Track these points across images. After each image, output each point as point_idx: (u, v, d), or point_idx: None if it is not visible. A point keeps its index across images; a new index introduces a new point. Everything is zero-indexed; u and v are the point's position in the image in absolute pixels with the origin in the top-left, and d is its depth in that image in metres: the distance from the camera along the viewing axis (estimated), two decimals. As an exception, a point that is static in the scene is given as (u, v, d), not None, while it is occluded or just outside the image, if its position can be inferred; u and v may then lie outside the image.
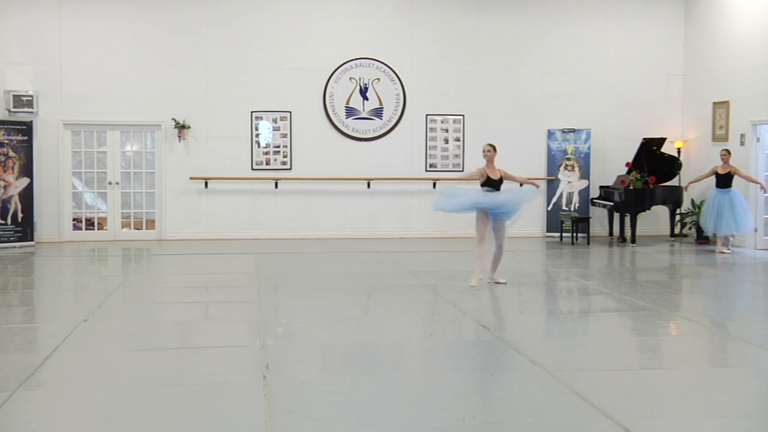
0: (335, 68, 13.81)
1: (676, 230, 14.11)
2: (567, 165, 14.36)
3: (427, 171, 14.19)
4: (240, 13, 13.60)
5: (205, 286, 9.51)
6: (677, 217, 14.10)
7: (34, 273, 10.53)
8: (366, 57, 13.89)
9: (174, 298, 8.83)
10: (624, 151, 13.97)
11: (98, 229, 13.56)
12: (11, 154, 12.56)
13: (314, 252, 12.37)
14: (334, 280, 9.76)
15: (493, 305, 8.33)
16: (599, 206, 14.13)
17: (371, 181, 13.89)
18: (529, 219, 14.41)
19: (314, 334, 7.08)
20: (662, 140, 13.80)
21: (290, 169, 13.81)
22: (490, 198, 9.12)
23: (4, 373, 5.58)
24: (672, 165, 13.86)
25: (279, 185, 13.72)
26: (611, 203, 13.70)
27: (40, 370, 5.71)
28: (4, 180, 12.51)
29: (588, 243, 13.47)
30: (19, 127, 12.66)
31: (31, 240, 12.76)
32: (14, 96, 12.86)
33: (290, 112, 13.73)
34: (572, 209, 14.26)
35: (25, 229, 12.67)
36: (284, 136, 13.77)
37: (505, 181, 9.54)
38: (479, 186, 9.38)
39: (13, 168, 12.58)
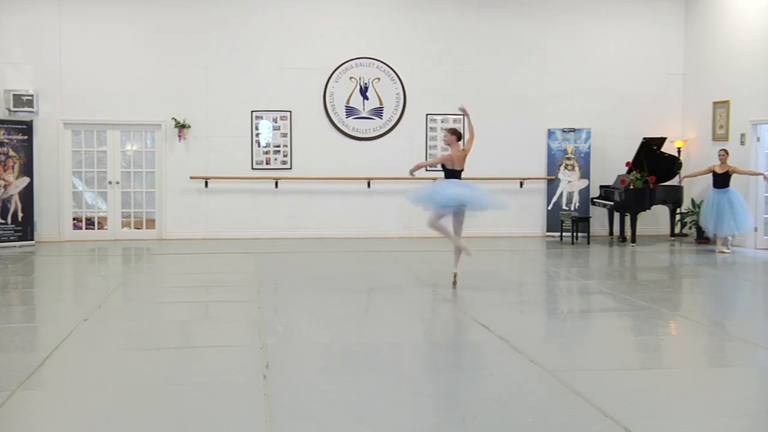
0: (335, 68, 13.81)
1: (676, 230, 14.11)
2: (567, 164, 14.36)
3: (427, 171, 14.14)
4: (240, 13, 13.60)
5: (205, 285, 9.51)
6: (677, 217, 14.09)
7: (34, 272, 10.53)
8: (366, 57, 13.89)
9: (174, 298, 8.84)
10: (624, 150, 13.96)
11: (98, 229, 13.56)
12: (11, 153, 12.56)
13: (314, 251, 12.37)
14: (334, 280, 9.76)
15: (493, 305, 8.32)
16: (599, 206, 14.13)
17: (371, 181, 13.89)
18: (529, 219, 14.45)
19: (314, 334, 7.08)
20: (662, 140, 13.80)
21: (290, 168, 13.82)
22: (465, 193, 8.92)
23: (5, 373, 5.58)
24: (672, 164, 13.86)
25: (279, 185, 13.72)
26: (611, 203, 13.70)
27: (40, 370, 5.71)
28: (4, 179, 12.51)
29: (588, 242, 13.47)
30: (20, 126, 12.66)
31: (31, 239, 12.76)
32: (14, 95, 12.86)
33: (290, 111, 13.73)
34: (572, 209, 14.26)
35: (25, 229, 12.67)
36: (284, 135, 13.77)
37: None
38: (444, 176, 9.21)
39: (13, 167, 12.58)
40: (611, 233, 14.29)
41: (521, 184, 14.34)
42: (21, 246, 12.53)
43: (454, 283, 9.05)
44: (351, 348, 6.56)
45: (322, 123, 13.87)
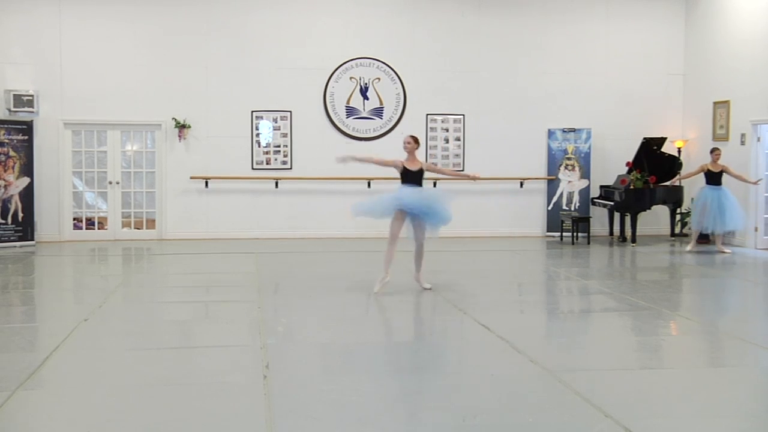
0: (335, 68, 13.81)
1: (677, 230, 14.11)
2: (567, 164, 14.35)
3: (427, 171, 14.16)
4: (240, 13, 13.61)
5: (205, 285, 9.51)
6: (677, 217, 14.09)
7: (35, 272, 10.53)
8: (366, 57, 13.89)
9: (174, 298, 8.84)
10: (624, 150, 13.96)
11: (98, 229, 13.56)
12: (11, 153, 12.57)
13: (314, 252, 12.37)
14: (335, 280, 9.76)
15: (494, 305, 8.32)
16: (599, 206, 14.13)
17: (371, 181, 13.88)
18: (529, 219, 14.45)
19: (314, 334, 7.08)
20: (662, 140, 13.80)
21: (291, 168, 13.82)
22: (409, 196, 8.58)
23: (5, 373, 5.58)
24: (672, 164, 13.86)
25: (279, 185, 13.72)
26: (611, 203, 13.70)
27: (40, 370, 5.71)
28: (4, 179, 12.52)
29: (588, 243, 13.46)
30: (20, 126, 12.67)
31: (32, 239, 12.76)
32: (14, 95, 12.86)
33: (290, 111, 13.74)
34: (572, 209, 14.26)
35: (25, 229, 12.67)
36: (284, 135, 13.77)
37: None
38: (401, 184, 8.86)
39: (13, 167, 12.58)
40: (611, 233, 14.29)
41: (521, 184, 14.34)
42: (21, 246, 12.53)
43: (425, 288, 8.84)
44: (351, 348, 6.56)
45: (322, 123, 13.87)
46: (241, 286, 9.36)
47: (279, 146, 13.78)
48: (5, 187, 12.52)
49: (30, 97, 12.93)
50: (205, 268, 10.87)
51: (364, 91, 13.92)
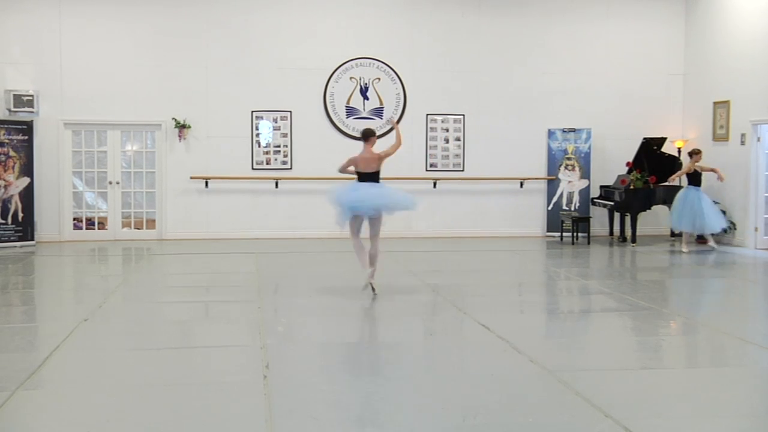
0: (335, 68, 13.81)
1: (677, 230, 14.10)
2: (567, 164, 14.35)
3: (427, 171, 14.19)
4: (240, 13, 13.60)
5: (205, 285, 9.51)
6: (677, 217, 14.09)
7: (35, 272, 10.53)
8: (366, 57, 13.89)
9: (174, 298, 8.84)
10: (624, 150, 13.96)
11: (99, 229, 13.56)
12: (12, 153, 12.57)
13: (315, 252, 12.37)
14: (334, 280, 9.76)
15: (494, 305, 8.32)
16: (599, 206, 14.13)
17: (371, 181, 13.87)
18: (529, 219, 14.45)
19: (314, 334, 7.08)
20: (662, 140, 13.80)
21: (291, 168, 13.82)
22: (366, 197, 8.45)
23: (5, 373, 5.58)
24: (672, 165, 13.85)
25: (279, 185, 13.72)
26: (612, 203, 13.70)
27: (40, 370, 5.71)
28: (4, 179, 12.52)
29: (588, 243, 13.46)
30: (20, 126, 12.67)
31: (32, 239, 12.76)
32: (14, 96, 12.86)
33: (290, 111, 13.74)
34: (572, 209, 14.26)
35: (25, 229, 12.67)
36: (284, 135, 13.77)
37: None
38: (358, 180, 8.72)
39: (13, 167, 12.58)
40: (611, 233, 14.29)
41: (521, 184, 14.34)
42: (21, 246, 12.53)
43: (373, 290, 8.55)
44: (351, 348, 6.56)
45: (322, 123, 13.87)
46: (241, 286, 9.36)
47: (279, 146, 13.78)
48: (5, 187, 12.52)
49: (30, 97, 12.93)
50: (205, 268, 10.87)
51: (364, 91, 13.92)
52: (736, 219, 13.18)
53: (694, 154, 12.69)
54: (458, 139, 14.19)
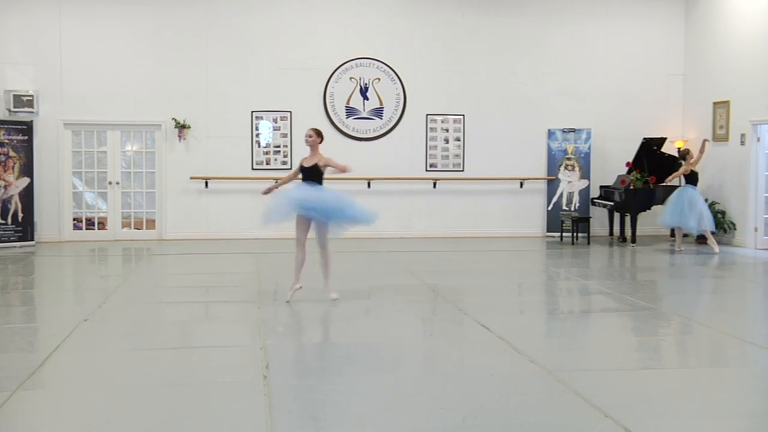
0: (335, 68, 13.82)
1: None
2: (567, 165, 14.35)
3: (427, 171, 14.19)
4: (240, 13, 13.60)
5: (205, 285, 9.51)
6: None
7: (35, 273, 10.53)
8: (366, 57, 13.89)
9: (174, 298, 8.83)
10: (624, 150, 13.96)
11: (98, 229, 13.56)
12: (11, 153, 12.57)
13: (314, 251, 12.33)
14: (334, 280, 9.74)
15: (494, 305, 8.32)
16: (599, 206, 14.13)
17: (371, 181, 13.89)
18: (529, 219, 14.45)
19: (314, 334, 7.08)
20: (662, 140, 13.80)
21: (290, 168, 13.79)
22: (306, 197, 8.02)
23: (4, 373, 5.58)
24: (672, 165, 13.84)
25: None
26: (611, 203, 13.70)
27: (40, 370, 5.71)
28: (4, 180, 12.51)
29: (588, 243, 13.46)
30: (20, 126, 12.67)
31: (32, 240, 12.76)
32: (14, 96, 12.86)
33: (290, 111, 13.74)
34: (572, 209, 14.26)
35: (25, 229, 12.67)
36: (284, 135, 13.77)
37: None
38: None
39: (13, 168, 12.58)
40: (611, 233, 14.29)
41: (521, 184, 14.34)
42: (21, 246, 12.53)
43: (329, 295, 8.25)
44: (351, 348, 6.55)
45: (322, 123, 13.82)
46: (241, 286, 9.36)
47: (279, 146, 13.78)
48: (5, 187, 12.52)
49: (30, 98, 12.93)
50: (205, 268, 10.87)
51: (364, 92, 13.92)
52: (735, 219, 13.19)
53: (686, 154, 12.75)
54: (458, 140, 14.19)
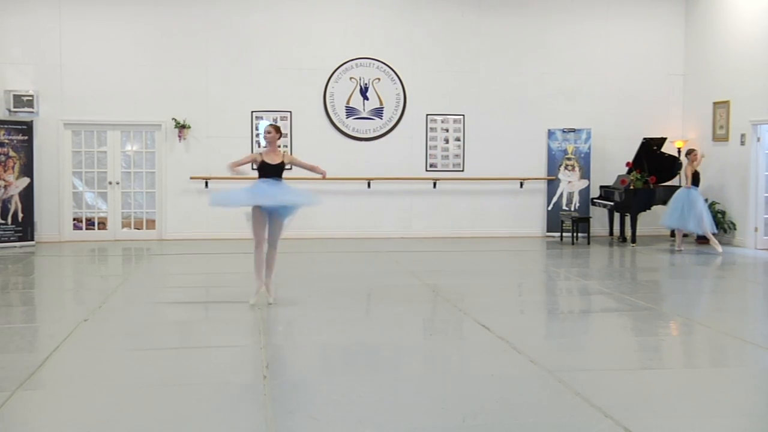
0: (335, 68, 13.82)
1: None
2: (567, 165, 14.35)
3: (427, 171, 14.20)
4: (240, 13, 13.61)
5: (205, 285, 9.51)
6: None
7: (35, 273, 10.53)
8: (366, 57, 13.89)
9: (174, 298, 8.84)
10: (624, 150, 13.96)
11: (98, 229, 13.56)
12: (11, 153, 12.57)
13: (314, 252, 12.37)
14: (334, 280, 9.76)
15: (494, 305, 8.32)
16: (599, 206, 14.13)
17: (371, 181, 13.89)
18: (529, 219, 14.45)
19: (314, 334, 7.08)
20: (662, 140, 13.80)
21: (290, 169, 13.74)
22: (267, 192, 8.06)
23: (4, 373, 5.58)
24: (672, 165, 13.86)
25: (279, 185, 13.70)
26: (611, 203, 13.70)
27: (40, 370, 5.71)
28: (4, 180, 12.51)
29: (588, 243, 13.46)
30: (20, 126, 12.67)
31: (32, 240, 12.76)
32: (14, 96, 12.87)
33: (290, 111, 13.74)
34: (572, 209, 14.26)
35: (25, 229, 12.67)
36: (284, 135, 13.76)
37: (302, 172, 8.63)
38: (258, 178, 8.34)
39: (13, 168, 12.58)
40: (611, 233, 14.29)
41: (521, 184, 14.34)
42: (21, 246, 12.53)
43: (268, 298, 8.14)
44: (351, 348, 6.55)
45: (322, 123, 13.87)
46: (241, 286, 9.35)
47: (279, 146, 13.73)
48: (5, 187, 12.52)
49: (30, 98, 12.94)
50: (205, 268, 10.87)
51: (364, 92, 13.92)
52: (735, 219, 13.18)
53: (690, 153, 12.74)
54: (458, 140, 14.19)
